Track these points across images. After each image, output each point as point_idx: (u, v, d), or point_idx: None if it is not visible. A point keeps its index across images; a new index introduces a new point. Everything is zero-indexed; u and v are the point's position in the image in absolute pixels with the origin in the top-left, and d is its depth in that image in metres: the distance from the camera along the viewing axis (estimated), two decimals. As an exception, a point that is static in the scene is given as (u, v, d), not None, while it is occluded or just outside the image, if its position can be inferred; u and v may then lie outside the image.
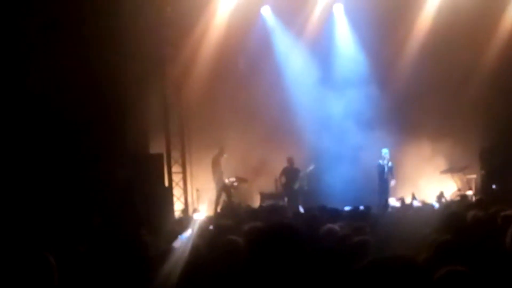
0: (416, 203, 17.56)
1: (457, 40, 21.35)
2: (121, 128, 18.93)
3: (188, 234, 9.62)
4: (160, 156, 19.91)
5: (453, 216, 8.07)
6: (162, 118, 21.11)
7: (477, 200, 13.51)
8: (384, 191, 20.65)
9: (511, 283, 4.75)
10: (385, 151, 20.86)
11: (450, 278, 3.44)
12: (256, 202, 20.88)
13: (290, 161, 21.34)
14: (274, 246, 4.06)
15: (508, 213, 7.92)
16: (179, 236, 9.36)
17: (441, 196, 19.82)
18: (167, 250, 6.70)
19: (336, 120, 22.29)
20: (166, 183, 20.14)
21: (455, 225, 7.55)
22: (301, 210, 17.91)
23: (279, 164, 21.25)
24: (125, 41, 18.92)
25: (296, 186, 21.25)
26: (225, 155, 20.87)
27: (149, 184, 18.52)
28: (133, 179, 18.36)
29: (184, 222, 12.41)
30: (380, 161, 20.83)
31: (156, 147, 20.70)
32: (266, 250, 4.09)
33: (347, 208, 15.71)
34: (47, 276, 4.78)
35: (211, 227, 9.79)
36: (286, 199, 20.91)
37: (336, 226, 7.95)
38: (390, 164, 20.88)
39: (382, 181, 20.78)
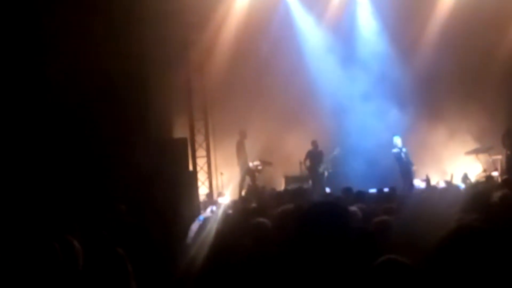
0: (442, 184, 17.47)
1: (479, 23, 21.16)
2: (145, 113, 18.95)
3: (206, 215, 9.65)
4: (184, 140, 19.92)
5: (479, 196, 8.01)
6: (185, 103, 21.14)
7: (503, 180, 13.35)
8: (407, 173, 20.54)
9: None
10: (396, 139, 20.73)
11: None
12: (280, 186, 20.87)
13: (314, 144, 21.29)
14: (322, 225, 4.04)
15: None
16: (197, 218, 9.40)
17: (465, 177, 19.68)
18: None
19: (359, 102, 22.25)
20: (191, 168, 20.19)
21: (481, 205, 7.49)
22: (327, 192, 17.94)
23: (303, 147, 21.20)
24: (149, 26, 18.91)
25: (321, 169, 21.21)
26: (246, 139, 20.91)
27: (173, 169, 18.54)
28: (158, 164, 18.39)
29: (208, 206, 12.47)
30: (394, 150, 20.69)
31: (180, 131, 20.74)
32: (312, 229, 4.06)
33: (372, 191, 15.70)
34: (71, 259, 4.80)
35: (230, 211, 9.80)
36: (310, 182, 20.88)
37: (355, 208, 7.91)
38: (404, 149, 20.73)
39: (402, 167, 20.65)
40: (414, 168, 20.89)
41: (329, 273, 3.83)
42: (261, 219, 6.69)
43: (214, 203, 16.11)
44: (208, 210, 11.28)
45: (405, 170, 20.61)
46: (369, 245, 4.98)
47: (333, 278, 3.80)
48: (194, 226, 7.90)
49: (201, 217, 9.48)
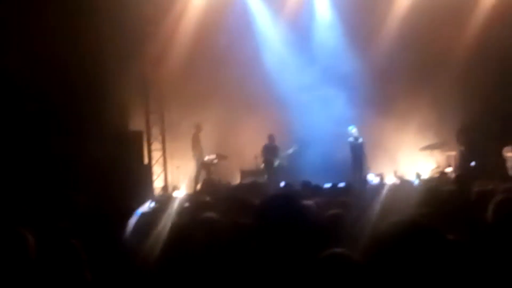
0: (395, 180, 17.65)
1: (438, 17, 21.36)
2: (100, 106, 18.82)
3: (144, 209, 9.64)
4: (139, 133, 19.82)
5: (431, 191, 8.13)
6: (141, 95, 21.06)
7: (455, 177, 13.56)
8: (359, 167, 20.72)
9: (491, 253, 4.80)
10: (351, 128, 20.90)
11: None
12: (236, 179, 20.90)
13: (271, 138, 21.36)
14: (277, 217, 4.08)
15: (482, 188, 7.98)
16: (136, 211, 9.39)
17: (419, 173, 19.92)
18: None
19: (316, 96, 22.35)
20: (146, 161, 20.11)
21: (433, 200, 7.61)
22: (286, 184, 17.99)
23: (259, 141, 21.25)
24: (105, 18, 18.78)
25: (276, 163, 21.28)
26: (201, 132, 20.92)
27: (128, 162, 18.45)
28: (113, 156, 18.28)
29: (163, 199, 12.41)
30: (350, 139, 20.88)
31: (136, 124, 20.65)
32: (267, 221, 4.10)
33: (327, 185, 15.79)
34: (22, 251, 4.77)
35: (187, 204, 9.78)
36: (266, 176, 20.95)
37: (310, 202, 7.95)
38: (360, 140, 20.91)
39: (355, 158, 20.86)
40: (366, 162, 21.06)
41: (280, 266, 3.86)
42: (209, 214, 6.70)
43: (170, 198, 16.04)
44: (147, 205, 11.22)
45: (358, 162, 20.78)
46: (321, 238, 5.02)
47: (282, 270, 3.84)
48: (132, 220, 7.88)
49: (139, 211, 9.46)
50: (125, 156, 18.41)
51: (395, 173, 20.02)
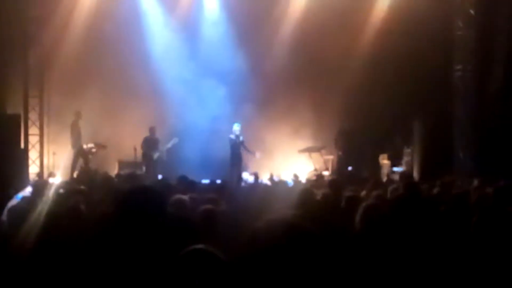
0: (270, 180, 17.87)
1: (331, 24, 21.60)
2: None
3: (24, 194, 9.49)
4: (16, 116, 19.37)
5: (305, 193, 8.28)
6: (20, 79, 20.55)
7: (329, 181, 13.82)
8: (236, 165, 20.87)
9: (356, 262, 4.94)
10: (236, 126, 21.05)
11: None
12: (114, 170, 20.68)
13: (152, 130, 21.22)
14: (137, 210, 4.06)
15: (351, 194, 8.20)
16: (15, 196, 9.23)
17: (297, 175, 20.20)
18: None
19: (200, 94, 22.39)
20: (22, 145, 19.67)
21: (305, 202, 7.75)
22: (160, 177, 17.91)
23: (139, 133, 21.09)
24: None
25: (155, 156, 21.17)
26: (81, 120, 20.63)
27: (3, 145, 18.02)
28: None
29: (40, 185, 12.20)
30: (232, 136, 20.99)
31: (14, 108, 20.17)
32: (127, 213, 4.08)
33: (204, 181, 15.83)
34: None
35: (61, 190, 9.65)
36: (144, 168, 20.82)
37: (185, 197, 7.97)
38: (241, 138, 21.06)
39: (234, 156, 20.99)
40: (258, 154, 21.23)
41: (139, 258, 3.87)
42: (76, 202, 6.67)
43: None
44: (27, 189, 11.02)
45: (236, 159, 20.93)
46: (189, 233, 5.05)
47: (140, 262, 3.85)
48: (11, 204, 7.74)
49: (19, 195, 9.29)
50: (1, 139, 17.97)
51: (271, 176, 20.22)
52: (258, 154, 21.29)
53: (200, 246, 3.58)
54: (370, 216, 5.91)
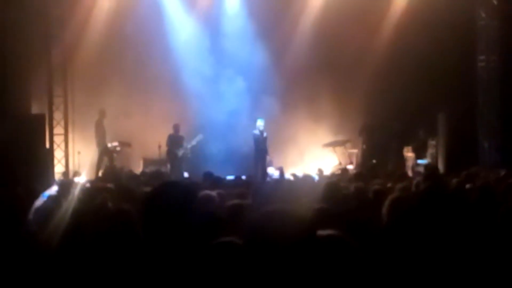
0: (297, 174, 17.85)
1: (351, 20, 21.57)
2: (2, 88, 18.44)
3: (51, 192, 9.53)
4: (41, 116, 19.46)
5: (331, 186, 8.27)
6: (45, 78, 20.66)
7: (355, 174, 13.82)
8: (261, 160, 20.84)
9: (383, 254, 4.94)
10: (260, 121, 21.02)
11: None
12: (138, 168, 20.77)
13: (176, 128, 21.27)
14: (168, 204, 4.07)
15: (380, 187, 8.18)
16: (42, 194, 9.28)
17: (321, 169, 20.19)
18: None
19: (222, 89, 22.38)
20: (47, 145, 19.78)
21: (332, 195, 7.75)
22: (186, 176, 17.95)
23: (164, 130, 21.15)
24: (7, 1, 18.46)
25: (180, 153, 21.22)
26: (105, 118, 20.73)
27: (29, 145, 18.13)
28: (13, 139, 17.93)
29: (66, 184, 12.27)
30: (255, 131, 20.95)
31: (38, 107, 20.29)
32: (158, 208, 4.09)
33: (230, 177, 15.86)
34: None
35: (87, 189, 9.70)
36: (169, 165, 20.87)
37: (213, 193, 7.98)
38: (265, 134, 21.04)
39: (258, 151, 20.94)
40: (268, 157, 21.20)
41: (170, 252, 3.88)
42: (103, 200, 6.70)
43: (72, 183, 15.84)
44: (53, 188, 11.08)
45: (260, 155, 20.90)
46: (220, 228, 5.06)
47: (173, 256, 3.86)
48: (38, 203, 7.80)
49: (45, 194, 9.34)
50: (26, 139, 18.09)
51: (299, 168, 20.23)
52: (268, 158, 21.28)
53: (227, 238, 3.61)
54: (396, 209, 5.90)
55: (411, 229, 5.35)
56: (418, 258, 4.88)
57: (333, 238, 3.28)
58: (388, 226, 5.90)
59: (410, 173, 17.97)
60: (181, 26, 22.58)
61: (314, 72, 22.48)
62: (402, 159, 21.23)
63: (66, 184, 11.49)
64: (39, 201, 8.06)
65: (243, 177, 14.61)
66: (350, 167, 20.88)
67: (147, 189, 8.14)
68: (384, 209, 6.08)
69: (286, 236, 3.05)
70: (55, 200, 7.90)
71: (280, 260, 3.01)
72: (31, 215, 7.14)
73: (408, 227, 5.40)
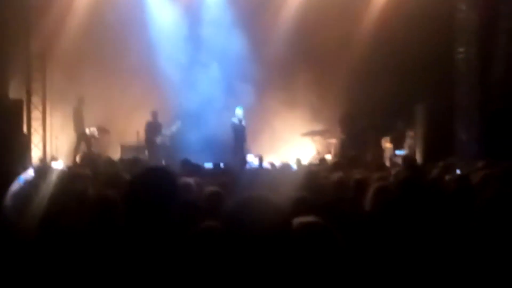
0: (274, 163, 17.86)
1: (330, 12, 21.64)
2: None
3: (26, 177, 9.45)
4: (19, 102, 19.38)
5: (310, 175, 8.29)
6: (23, 63, 20.54)
7: (334, 163, 13.84)
8: (239, 149, 20.84)
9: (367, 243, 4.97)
10: (238, 110, 21.03)
11: (307, 229, 3.55)
12: (116, 154, 20.69)
13: (154, 115, 21.24)
14: (149, 189, 4.05)
15: (360, 177, 8.19)
16: (18, 178, 9.20)
17: (299, 158, 20.21)
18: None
19: (200, 77, 22.33)
20: (25, 130, 19.70)
21: (311, 184, 7.76)
22: (163, 164, 17.90)
23: (142, 117, 21.10)
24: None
25: (158, 140, 21.17)
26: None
27: (6, 130, 18.04)
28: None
29: (43, 169, 12.20)
30: (234, 119, 20.98)
31: (16, 92, 20.17)
32: (139, 193, 4.07)
33: (208, 165, 15.84)
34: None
35: (64, 175, 9.62)
36: (147, 152, 20.83)
37: (191, 180, 7.96)
38: (243, 123, 21.05)
39: (237, 139, 20.98)
40: (246, 144, 21.23)
41: (150, 238, 3.87)
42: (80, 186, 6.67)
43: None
44: (29, 172, 10.99)
45: (239, 143, 20.92)
46: (198, 215, 5.06)
47: (154, 242, 3.85)
48: (14, 188, 7.73)
49: (21, 178, 9.26)
50: (3, 124, 17.99)
51: (276, 156, 20.24)
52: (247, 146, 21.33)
53: (208, 224, 3.61)
54: (380, 197, 5.92)
55: (394, 217, 5.38)
56: (401, 247, 4.91)
57: (313, 225, 3.29)
58: (372, 214, 5.93)
59: (388, 164, 18.05)
60: (161, 14, 22.51)
61: (293, 62, 22.50)
62: (380, 150, 21.29)
63: (43, 169, 11.42)
64: (15, 186, 7.99)
65: (222, 165, 14.60)
66: (329, 157, 20.89)
67: (126, 175, 8.08)
68: (368, 198, 6.10)
69: (263, 223, 3.06)
70: (32, 185, 7.85)
71: (257, 246, 3.02)
72: (8, 201, 7.07)
73: (391, 216, 5.43)
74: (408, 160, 14.66)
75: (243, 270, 3.03)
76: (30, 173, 11.02)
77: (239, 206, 3.17)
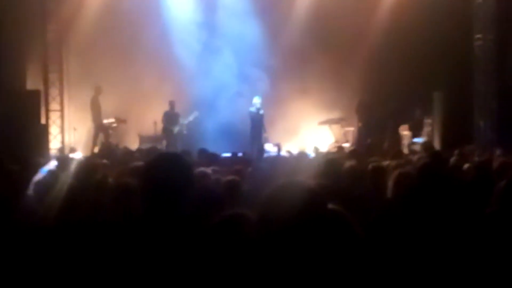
0: (293, 151, 17.86)
1: (347, 1, 21.60)
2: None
3: (50, 168, 9.52)
4: (37, 92, 19.47)
5: (330, 163, 8.26)
6: (40, 54, 20.62)
7: (350, 151, 13.81)
8: (257, 138, 20.84)
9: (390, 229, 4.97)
10: (256, 99, 21.03)
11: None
12: (134, 144, 20.73)
13: (172, 104, 21.24)
14: (165, 174, 4.04)
15: (378, 164, 8.17)
16: (40, 170, 9.27)
17: (317, 147, 20.19)
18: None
19: (219, 66, 22.28)
20: (43, 121, 19.79)
21: (331, 172, 7.74)
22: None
23: (159, 107, 21.12)
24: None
25: (176, 130, 21.20)
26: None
27: (24, 121, 18.14)
28: (8, 115, 17.94)
29: (63, 160, 12.29)
30: (252, 109, 20.99)
31: (34, 83, 20.26)
32: (155, 179, 4.06)
33: (226, 154, 15.87)
34: None
35: (83, 165, 9.69)
36: (164, 142, 20.86)
37: (208, 169, 7.97)
38: (261, 112, 21.06)
39: (254, 129, 20.98)
40: (265, 134, 21.24)
41: (167, 226, 3.86)
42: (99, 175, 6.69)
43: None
44: (52, 163, 11.07)
45: (257, 132, 20.93)
46: (216, 202, 5.05)
47: (171, 230, 3.84)
48: (37, 178, 7.80)
49: (44, 169, 9.33)
50: (21, 115, 18.10)
51: (295, 145, 20.23)
52: (265, 135, 21.34)
53: (240, 211, 3.60)
54: (402, 184, 5.91)
55: (417, 204, 5.37)
56: (424, 234, 4.90)
57: (337, 213, 3.28)
58: (394, 200, 5.92)
59: (406, 151, 18.01)
60: (179, 6, 22.44)
61: (309, 50, 22.39)
62: (398, 138, 21.23)
63: (65, 159, 11.50)
64: (38, 176, 8.06)
65: (239, 154, 14.61)
66: (346, 145, 20.84)
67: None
68: (391, 183, 6.09)
69: (303, 208, 3.05)
70: (55, 175, 7.91)
71: (296, 233, 3.01)
72: (31, 191, 7.14)
73: (414, 203, 5.42)
74: (429, 147, 14.64)
75: (276, 258, 3.02)
76: (52, 164, 11.11)
77: (278, 192, 3.16)
